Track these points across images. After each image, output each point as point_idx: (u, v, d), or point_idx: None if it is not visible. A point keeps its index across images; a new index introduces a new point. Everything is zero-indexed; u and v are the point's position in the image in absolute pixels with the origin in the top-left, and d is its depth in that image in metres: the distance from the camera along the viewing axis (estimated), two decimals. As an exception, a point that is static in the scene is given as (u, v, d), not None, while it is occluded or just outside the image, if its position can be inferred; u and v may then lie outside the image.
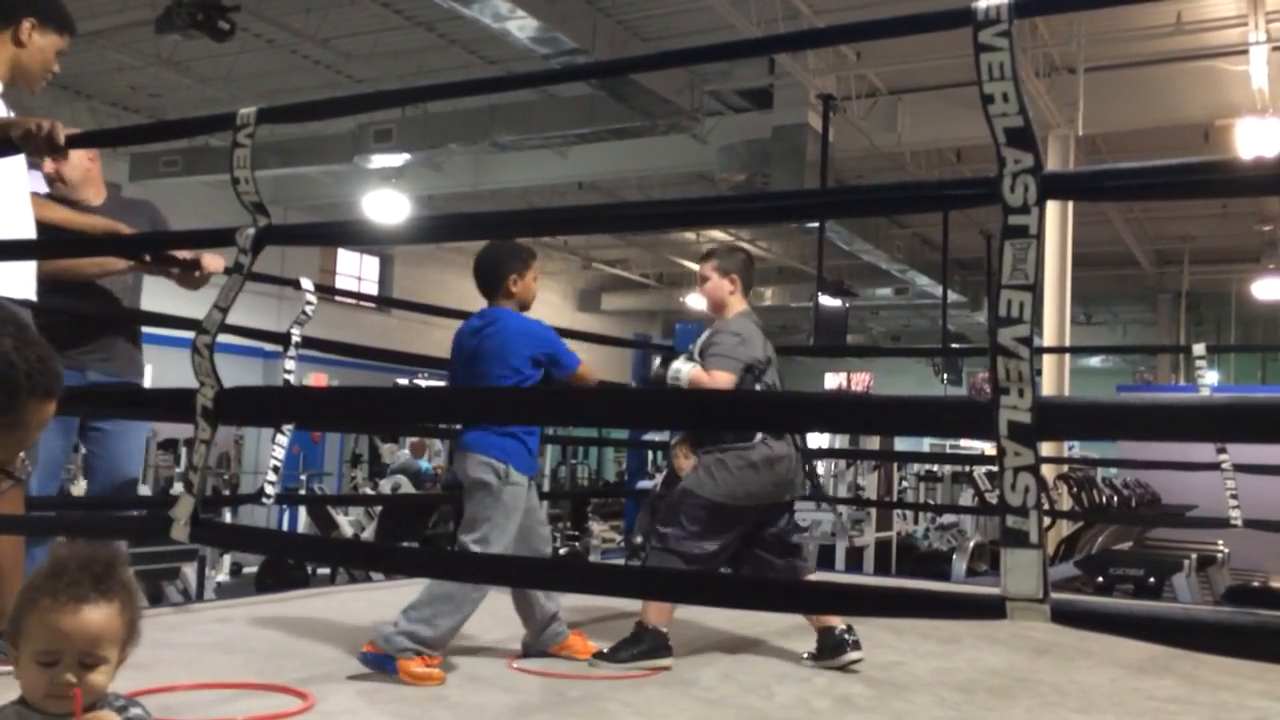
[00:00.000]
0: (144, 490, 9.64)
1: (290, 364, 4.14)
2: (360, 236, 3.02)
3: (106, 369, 3.49)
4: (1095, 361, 23.33)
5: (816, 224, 11.13)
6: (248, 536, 3.15)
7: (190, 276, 3.48)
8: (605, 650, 3.60)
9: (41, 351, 1.29)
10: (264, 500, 4.19)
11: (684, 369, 3.61)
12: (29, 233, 2.94)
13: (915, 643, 4.09)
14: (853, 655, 3.60)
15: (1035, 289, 1.52)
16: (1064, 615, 1.50)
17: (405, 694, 3.08)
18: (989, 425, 1.52)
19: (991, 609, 1.53)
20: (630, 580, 2.47)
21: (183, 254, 3.42)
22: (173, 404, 2.16)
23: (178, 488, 10.86)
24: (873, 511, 8.65)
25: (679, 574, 3.16)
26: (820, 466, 10.09)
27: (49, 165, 3.53)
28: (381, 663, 3.18)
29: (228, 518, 11.06)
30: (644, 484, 6.92)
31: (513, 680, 3.35)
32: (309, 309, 4.13)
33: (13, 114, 2.92)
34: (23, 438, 1.28)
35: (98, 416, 3.47)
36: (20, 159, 2.76)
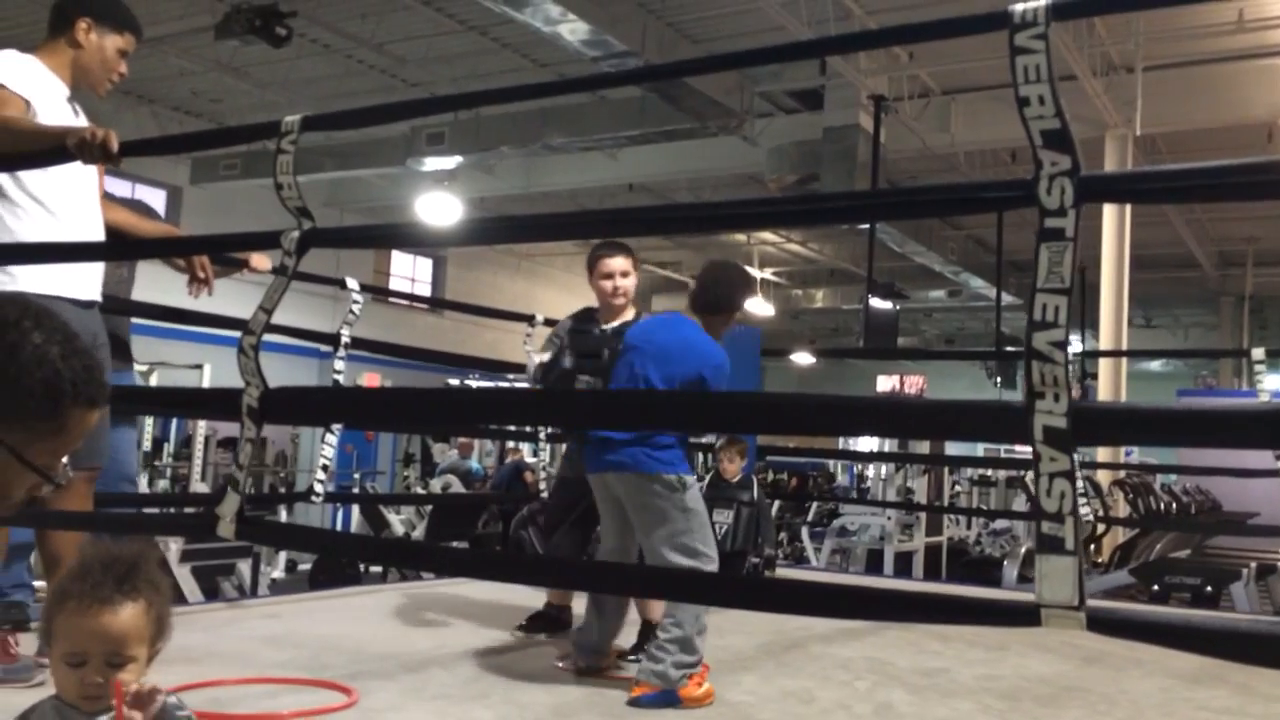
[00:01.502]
0: (202, 488, 9.84)
1: (339, 364, 4.21)
2: (401, 239, 3.07)
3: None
4: (1156, 365, 22.89)
5: (867, 226, 11.06)
6: (291, 535, 3.21)
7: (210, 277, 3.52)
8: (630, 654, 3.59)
9: (88, 361, 1.31)
10: (313, 499, 4.26)
11: None
12: (97, 234, 3.02)
13: (962, 649, 4.04)
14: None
15: (1071, 293, 1.50)
16: (1099, 623, 1.48)
17: (449, 691, 3.12)
18: (1024, 430, 1.51)
19: (1025, 616, 1.52)
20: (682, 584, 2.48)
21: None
22: (219, 403, 2.21)
23: (234, 485, 11.04)
24: (922, 516, 8.56)
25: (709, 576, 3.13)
26: (869, 469, 10.03)
27: None
28: (665, 699, 3.07)
29: (283, 515, 11.27)
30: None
31: (556, 680, 3.37)
32: (356, 309, 4.20)
33: (81, 117, 3.01)
34: (65, 444, 1.31)
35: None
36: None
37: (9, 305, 1.31)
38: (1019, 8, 1.56)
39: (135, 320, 4.01)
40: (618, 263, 3.83)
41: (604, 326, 3.88)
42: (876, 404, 1.68)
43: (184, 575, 6.71)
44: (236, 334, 2.66)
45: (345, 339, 4.23)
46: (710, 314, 3.47)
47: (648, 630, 3.60)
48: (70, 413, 1.29)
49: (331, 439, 4.27)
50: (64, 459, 1.36)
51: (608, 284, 3.84)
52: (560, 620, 3.99)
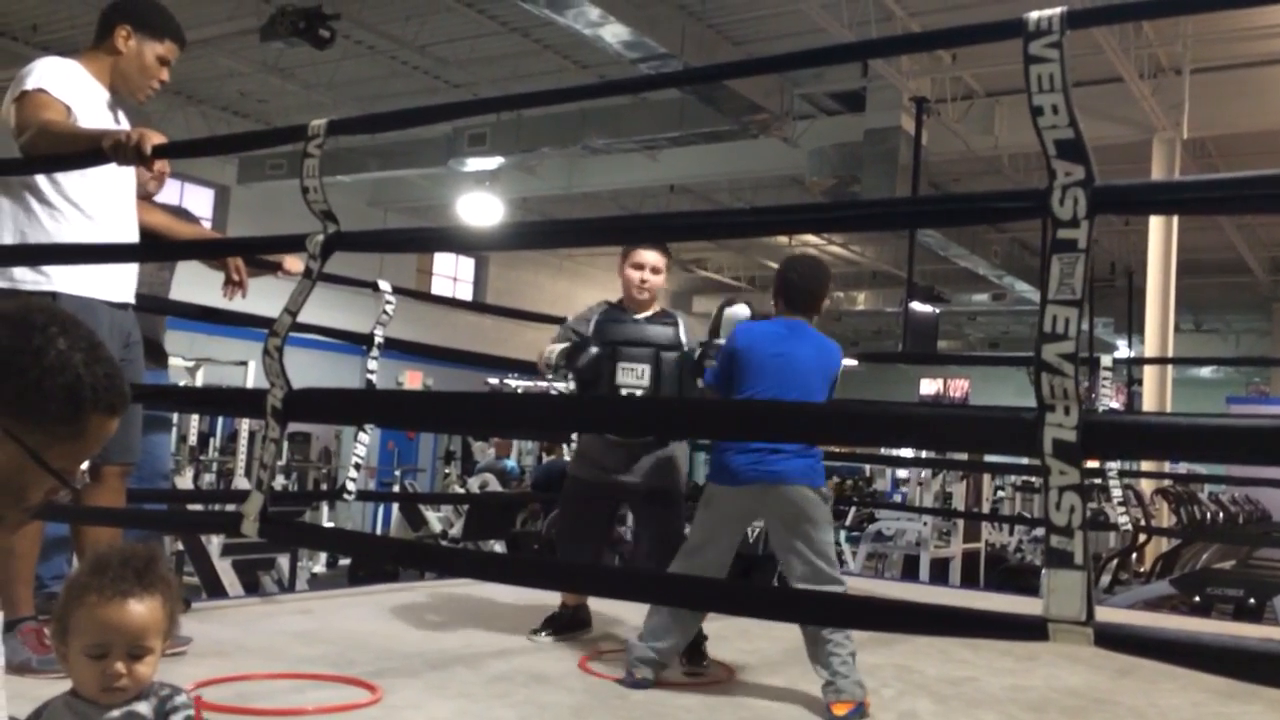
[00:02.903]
0: (245, 484, 10.00)
1: (373, 364, 4.26)
2: (424, 243, 3.09)
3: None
4: (1207, 372, 22.47)
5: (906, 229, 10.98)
6: (312, 535, 3.25)
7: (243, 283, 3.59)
8: None
9: (109, 369, 1.35)
10: (345, 497, 4.31)
11: None
12: (132, 236, 3.08)
13: (992, 658, 4.00)
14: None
15: (1082, 305, 1.49)
16: (1108, 639, 1.46)
17: (471, 690, 3.14)
18: (1033, 442, 1.50)
19: (1033, 630, 1.50)
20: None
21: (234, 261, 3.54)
22: (245, 403, 2.25)
23: (280, 480, 11.25)
24: (959, 521, 8.48)
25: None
26: (905, 473, 9.96)
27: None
28: (861, 713, 3.08)
29: (325, 512, 11.41)
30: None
31: (578, 681, 3.38)
32: (389, 309, 4.25)
33: (123, 118, 3.08)
34: (83, 449, 1.35)
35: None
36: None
37: (37, 311, 1.34)
38: (1034, 15, 1.55)
39: (182, 317, 4.08)
40: (652, 256, 3.81)
41: (636, 316, 3.85)
42: (881, 413, 1.67)
43: (225, 569, 6.82)
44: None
45: (379, 339, 4.28)
46: (812, 312, 3.44)
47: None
48: (90, 418, 1.32)
49: (365, 438, 4.33)
50: (82, 464, 1.39)
51: (636, 274, 3.81)
52: (577, 619, 3.99)
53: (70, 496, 1.40)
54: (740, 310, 3.67)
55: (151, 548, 1.56)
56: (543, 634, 3.88)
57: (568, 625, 3.95)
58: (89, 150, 2.64)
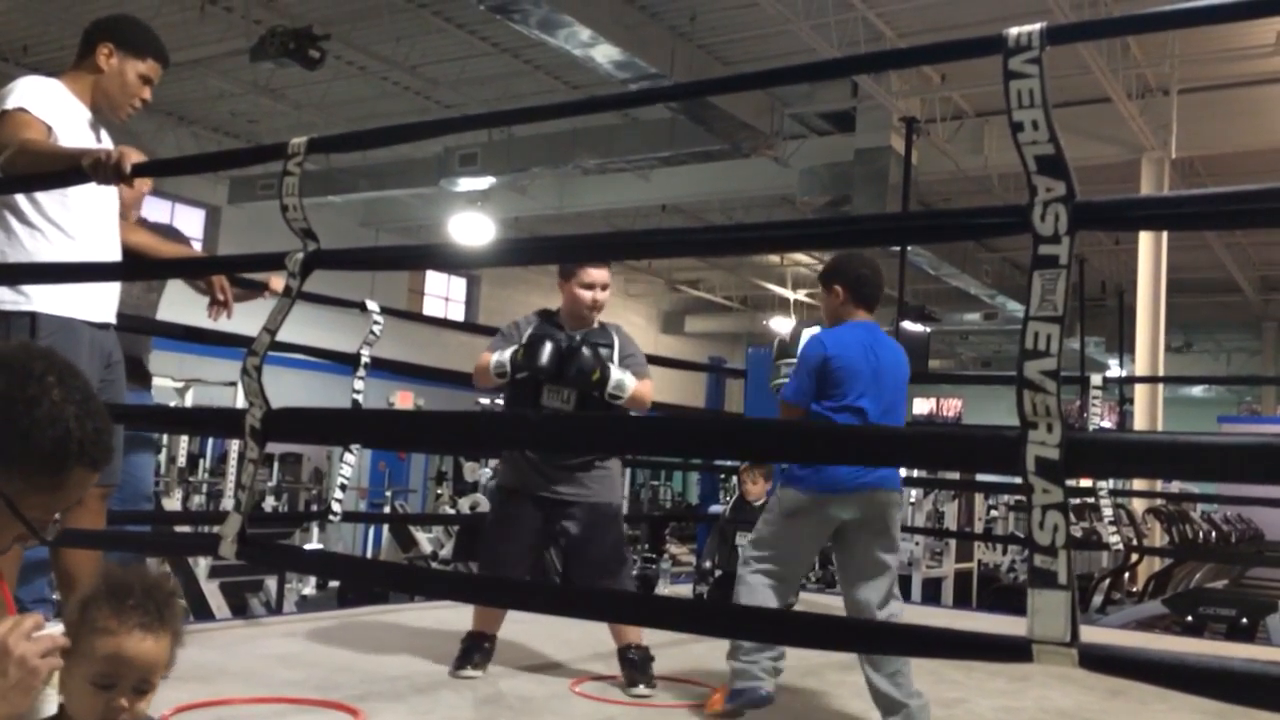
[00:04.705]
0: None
1: (359, 384, 4.23)
2: (404, 261, 3.07)
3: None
4: (1198, 391, 22.51)
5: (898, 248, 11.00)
6: (290, 556, 3.22)
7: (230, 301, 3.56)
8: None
9: (100, 423, 1.34)
10: (331, 518, 4.28)
11: (628, 380, 3.51)
12: (114, 256, 3.06)
13: (983, 680, 3.97)
14: None
15: (1063, 321, 1.48)
16: (1092, 660, 1.44)
17: (456, 714, 3.11)
18: (1015, 460, 1.48)
19: (1017, 651, 1.48)
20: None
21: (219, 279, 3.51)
22: (223, 423, 2.22)
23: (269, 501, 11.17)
24: (951, 541, 8.46)
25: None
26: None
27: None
28: None
29: (315, 533, 11.34)
30: (715, 508, 6.87)
31: (566, 704, 3.34)
32: (377, 329, 4.23)
33: (105, 137, 3.06)
34: (61, 500, 1.33)
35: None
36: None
37: (37, 359, 1.34)
38: (1013, 31, 1.54)
39: (168, 338, 4.03)
40: (603, 274, 3.62)
41: (571, 333, 3.62)
42: (865, 432, 1.66)
43: (212, 591, 6.75)
44: (271, 353, 2.69)
45: (365, 359, 4.25)
46: (873, 310, 3.28)
47: (627, 655, 3.52)
48: (73, 472, 1.32)
49: (351, 458, 4.30)
50: (56, 515, 1.38)
51: (587, 294, 3.61)
52: (492, 648, 3.68)
53: (38, 544, 1.38)
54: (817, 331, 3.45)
55: (170, 579, 1.53)
56: (468, 669, 3.58)
57: (486, 655, 3.66)
58: (68, 169, 2.62)
